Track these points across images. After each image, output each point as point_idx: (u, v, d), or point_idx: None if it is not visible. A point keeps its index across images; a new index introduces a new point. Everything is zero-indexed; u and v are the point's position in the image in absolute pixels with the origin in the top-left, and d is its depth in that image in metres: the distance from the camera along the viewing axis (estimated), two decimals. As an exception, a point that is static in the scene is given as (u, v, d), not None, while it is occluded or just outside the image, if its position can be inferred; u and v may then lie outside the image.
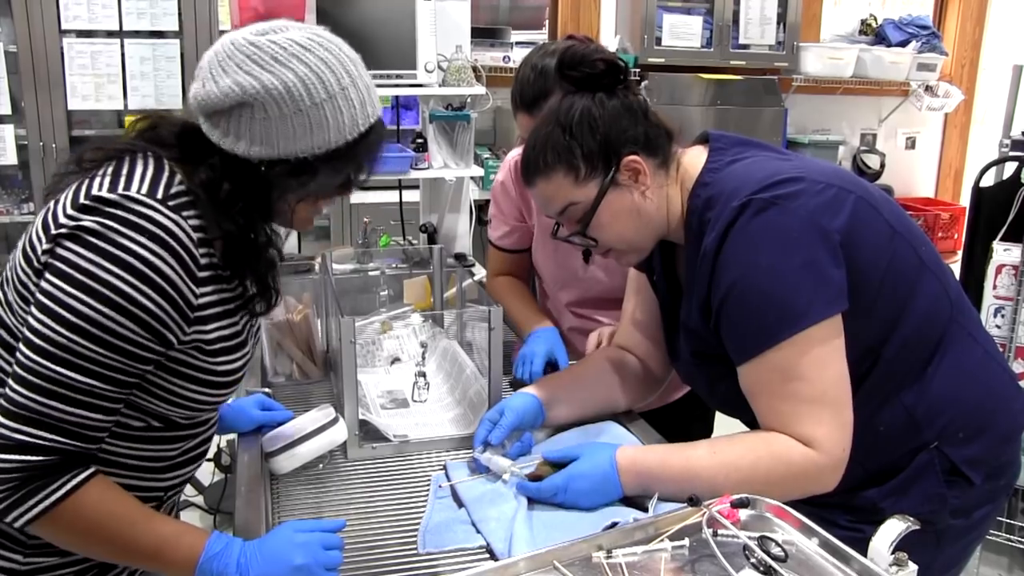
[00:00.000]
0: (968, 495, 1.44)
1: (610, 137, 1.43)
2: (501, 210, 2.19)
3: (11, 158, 3.71)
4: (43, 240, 1.15)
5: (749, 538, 1.14)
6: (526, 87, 1.83)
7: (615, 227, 1.46)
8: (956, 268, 3.41)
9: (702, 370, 1.54)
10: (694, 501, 1.21)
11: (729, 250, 1.33)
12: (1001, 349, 3.01)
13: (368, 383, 1.94)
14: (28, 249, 1.18)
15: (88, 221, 1.12)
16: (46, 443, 1.11)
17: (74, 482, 1.14)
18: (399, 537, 1.37)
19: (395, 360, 2.07)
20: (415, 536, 1.37)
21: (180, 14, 3.79)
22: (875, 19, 5.31)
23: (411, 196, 3.27)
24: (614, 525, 1.26)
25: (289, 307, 2.03)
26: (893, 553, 1.10)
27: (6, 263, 1.26)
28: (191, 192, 1.21)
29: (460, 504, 1.45)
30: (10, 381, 1.12)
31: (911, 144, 5.68)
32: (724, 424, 1.70)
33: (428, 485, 1.53)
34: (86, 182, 1.18)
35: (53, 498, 1.12)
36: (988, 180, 3.26)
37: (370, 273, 2.40)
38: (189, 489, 3.03)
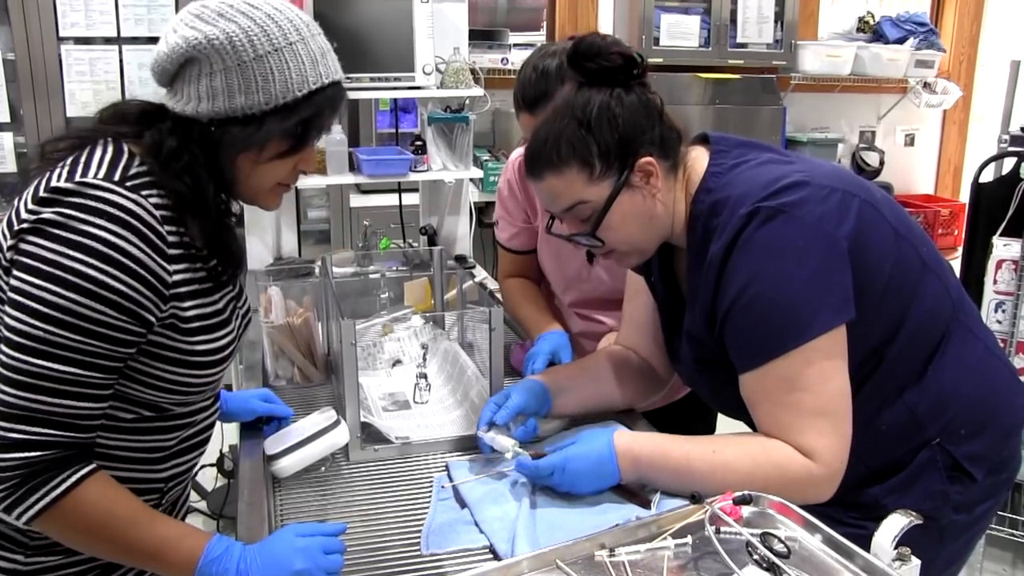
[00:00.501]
0: (970, 491, 1.44)
1: (628, 136, 1.39)
2: (508, 211, 2.19)
3: (10, 166, 3.71)
4: (7, 238, 1.16)
5: (752, 535, 1.14)
6: (528, 87, 1.83)
7: (624, 229, 1.43)
8: (956, 264, 3.40)
9: (704, 376, 1.54)
10: (696, 498, 1.22)
11: (737, 259, 1.32)
12: (1002, 344, 3.01)
13: (369, 385, 1.94)
14: None
15: (48, 213, 1.12)
16: (43, 438, 1.12)
17: (74, 478, 1.14)
18: (402, 539, 1.37)
19: (396, 362, 2.07)
20: (418, 537, 1.37)
21: (178, 20, 3.79)
22: (872, 16, 5.31)
23: (411, 199, 3.27)
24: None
25: (290, 310, 2.03)
26: (896, 548, 1.10)
27: None
28: (149, 168, 1.21)
29: (463, 505, 1.45)
30: None
31: (910, 141, 5.68)
32: (726, 425, 1.70)
33: (431, 486, 1.53)
34: (45, 176, 1.18)
35: (54, 494, 1.13)
36: (987, 176, 3.26)
37: (370, 276, 2.40)
38: (192, 495, 3.03)
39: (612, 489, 1.44)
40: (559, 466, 1.42)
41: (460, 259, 2.86)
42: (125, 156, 1.21)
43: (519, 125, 1.93)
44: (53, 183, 1.15)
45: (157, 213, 1.17)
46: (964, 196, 5.12)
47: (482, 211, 4.13)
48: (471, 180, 3.00)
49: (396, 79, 2.68)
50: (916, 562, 1.10)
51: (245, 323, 1.45)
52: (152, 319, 1.19)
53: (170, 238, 1.19)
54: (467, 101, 2.83)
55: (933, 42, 5.23)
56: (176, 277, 1.21)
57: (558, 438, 1.64)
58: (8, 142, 3.70)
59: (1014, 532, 3.12)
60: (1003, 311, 3.04)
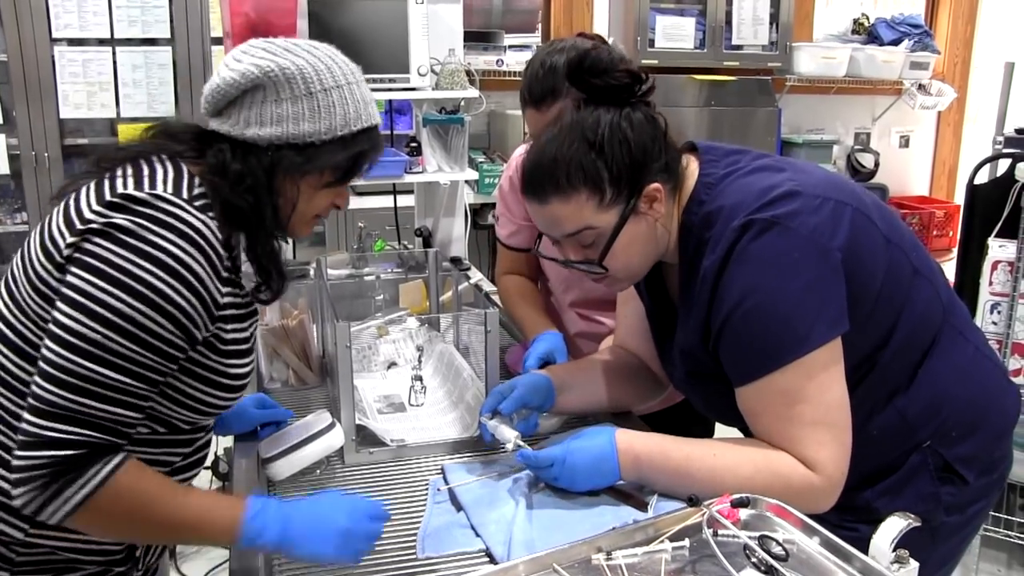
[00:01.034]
0: (962, 492, 1.44)
1: (638, 161, 1.35)
2: (508, 208, 2.18)
3: (3, 168, 3.71)
4: (67, 236, 1.16)
5: (750, 538, 1.13)
6: (534, 83, 1.82)
7: (627, 256, 1.40)
8: (952, 266, 3.41)
9: (697, 388, 1.54)
10: (694, 501, 1.21)
11: (731, 272, 1.31)
12: (997, 345, 3.01)
13: (365, 388, 1.93)
14: (48, 245, 1.18)
15: (119, 218, 1.14)
16: (77, 437, 1.11)
17: (107, 469, 1.13)
18: (398, 542, 1.36)
19: (392, 364, 2.07)
20: (414, 541, 1.36)
21: (172, 21, 3.79)
22: (867, 18, 5.33)
23: (406, 200, 3.26)
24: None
25: (285, 313, 2.02)
26: (894, 551, 1.10)
27: (6, 269, 1.26)
28: (208, 191, 1.24)
29: (459, 508, 1.45)
30: (38, 379, 1.12)
31: (905, 143, 5.69)
32: (725, 431, 1.69)
33: (426, 489, 1.52)
34: (108, 181, 1.20)
35: (88, 488, 1.11)
36: (982, 177, 3.27)
37: (365, 278, 2.39)
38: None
39: (609, 492, 1.43)
40: (559, 458, 1.41)
41: (455, 261, 2.84)
42: (186, 175, 1.24)
43: (525, 121, 1.91)
44: (122, 189, 1.17)
45: (219, 236, 1.20)
46: (959, 198, 5.14)
47: (477, 213, 4.13)
48: (466, 182, 3.00)
49: (391, 80, 2.67)
50: (914, 565, 1.09)
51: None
52: (199, 337, 1.21)
53: (226, 261, 1.22)
54: (462, 103, 2.83)
55: (928, 44, 5.24)
56: (225, 300, 1.24)
57: (558, 437, 1.64)
58: (1, 144, 3.69)
59: (1009, 533, 3.13)
60: (999, 312, 3.04)
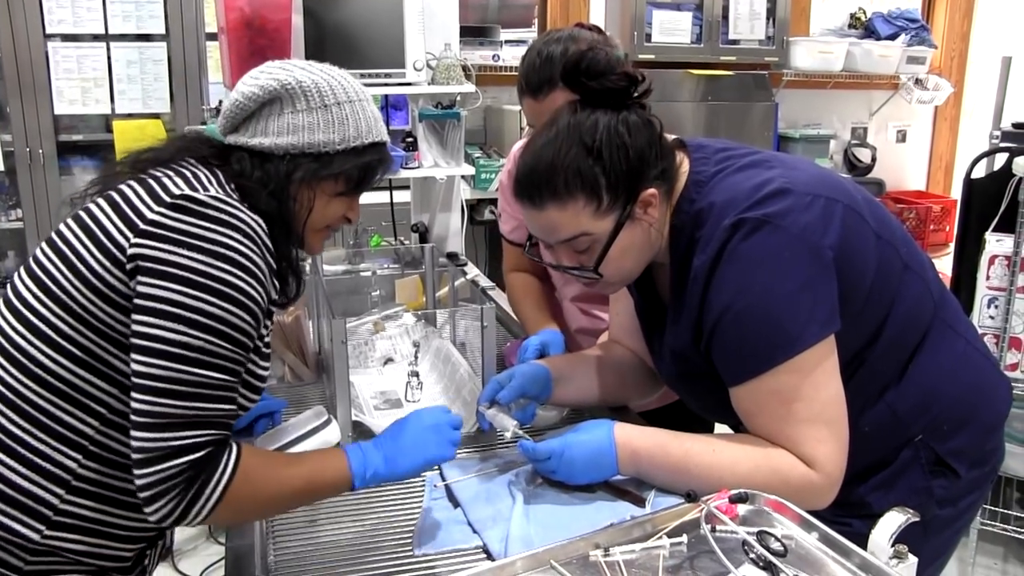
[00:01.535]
0: (954, 485, 1.44)
1: (636, 167, 1.33)
2: (509, 203, 2.17)
3: (-2, 164, 3.70)
4: (130, 236, 1.18)
5: (748, 533, 1.12)
6: (531, 73, 1.82)
7: (621, 262, 1.39)
8: (948, 260, 3.41)
9: (688, 387, 1.53)
10: (692, 497, 1.20)
11: (722, 272, 1.30)
12: (994, 340, 3.01)
13: (361, 384, 1.92)
14: (109, 245, 1.19)
15: (185, 223, 1.17)
16: (199, 439, 1.15)
17: (232, 458, 1.18)
18: (394, 539, 1.36)
19: (388, 360, 2.06)
20: (411, 537, 1.35)
21: (166, 16, 3.78)
22: (864, 13, 5.32)
23: (402, 196, 3.25)
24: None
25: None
26: (893, 546, 1.09)
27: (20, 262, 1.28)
28: (245, 192, 1.29)
29: (456, 504, 1.44)
30: (141, 395, 1.13)
31: (902, 137, 5.69)
32: (725, 427, 1.69)
33: (423, 486, 1.52)
34: (156, 182, 1.23)
35: (223, 482, 1.16)
36: (979, 171, 3.26)
37: (361, 274, 2.38)
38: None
39: (607, 487, 1.43)
40: (557, 451, 1.40)
41: (452, 256, 2.84)
42: (222, 179, 1.29)
43: (523, 111, 1.91)
44: (179, 191, 1.20)
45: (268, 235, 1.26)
46: (956, 192, 5.14)
47: (474, 208, 4.12)
48: (462, 177, 2.99)
49: (387, 75, 2.66)
50: (913, 560, 1.09)
51: None
52: (259, 332, 1.26)
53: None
54: (458, 97, 2.82)
55: (924, 38, 5.23)
56: (274, 295, 1.30)
57: (557, 431, 1.63)
58: (-5, 140, 3.68)
59: (1006, 527, 3.13)
60: (996, 307, 3.04)
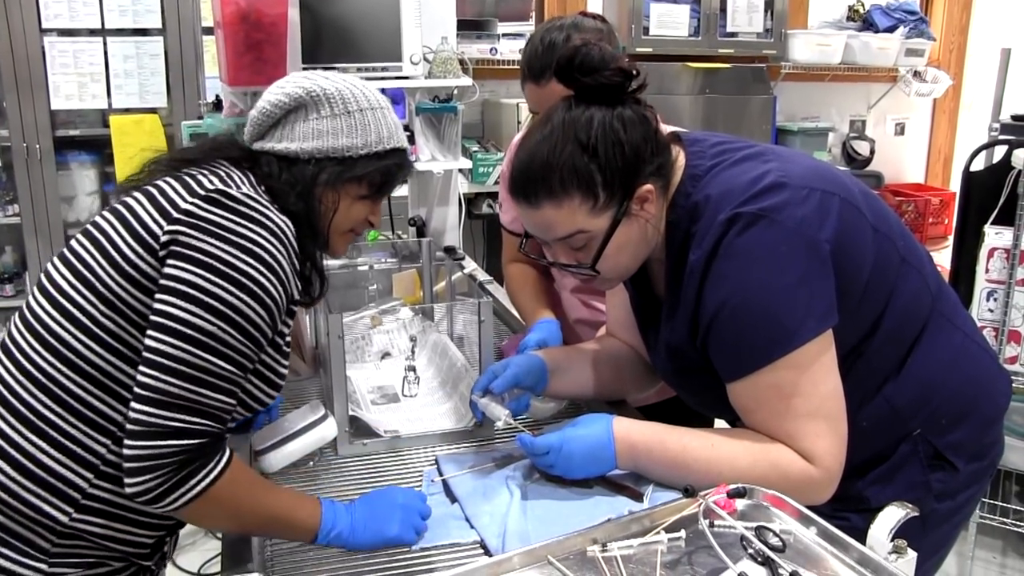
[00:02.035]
0: (952, 479, 1.44)
1: (631, 164, 1.32)
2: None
3: (-6, 159, 3.69)
4: (164, 224, 1.21)
5: (746, 528, 1.12)
6: (534, 60, 1.83)
7: (618, 258, 1.38)
8: (947, 253, 3.40)
9: (685, 382, 1.53)
10: (690, 492, 1.20)
11: (718, 267, 1.30)
12: (993, 333, 3.01)
13: (358, 379, 1.92)
14: (144, 234, 1.22)
15: (218, 214, 1.21)
16: (198, 427, 1.17)
17: (225, 459, 1.21)
18: (391, 534, 1.35)
19: (385, 355, 2.05)
20: (408, 533, 1.35)
21: (163, 11, 3.76)
22: (862, 5, 5.31)
23: (399, 190, 3.24)
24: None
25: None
26: (892, 540, 1.09)
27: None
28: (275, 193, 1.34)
29: (453, 499, 1.44)
30: (148, 369, 1.16)
31: (900, 130, 5.68)
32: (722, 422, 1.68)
33: (420, 480, 1.51)
34: (191, 178, 1.27)
35: (211, 477, 1.18)
36: (978, 164, 3.26)
37: (359, 268, 2.37)
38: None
39: (605, 482, 1.42)
40: (556, 446, 1.39)
41: (449, 250, 2.83)
42: (253, 180, 1.33)
43: (525, 97, 1.92)
44: (213, 186, 1.24)
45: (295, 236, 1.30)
46: (954, 185, 5.13)
47: (471, 202, 4.11)
48: (460, 171, 2.98)
49: (383, 69, 2.65)
50: (912, 554, 1.09)
51: None
52: (278, 328, 1.29)
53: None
54: (455, 91, 2.81)
55: (923, 31, 5.22)
56: (296, 295, 1.33)
57: (555, 424, 1.63)
58: (-9, 135, 3.67)
59: (1004, 520, 3.13)
60: (995, 300, 3.04)
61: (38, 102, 3.69)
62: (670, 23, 4.61)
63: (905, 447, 1.42)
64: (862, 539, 1.10)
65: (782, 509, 1.20)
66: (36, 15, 3.62)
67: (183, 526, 1.43)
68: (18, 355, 1.26)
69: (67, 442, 1.23)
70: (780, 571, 1.05)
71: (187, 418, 1.16)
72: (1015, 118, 3.28)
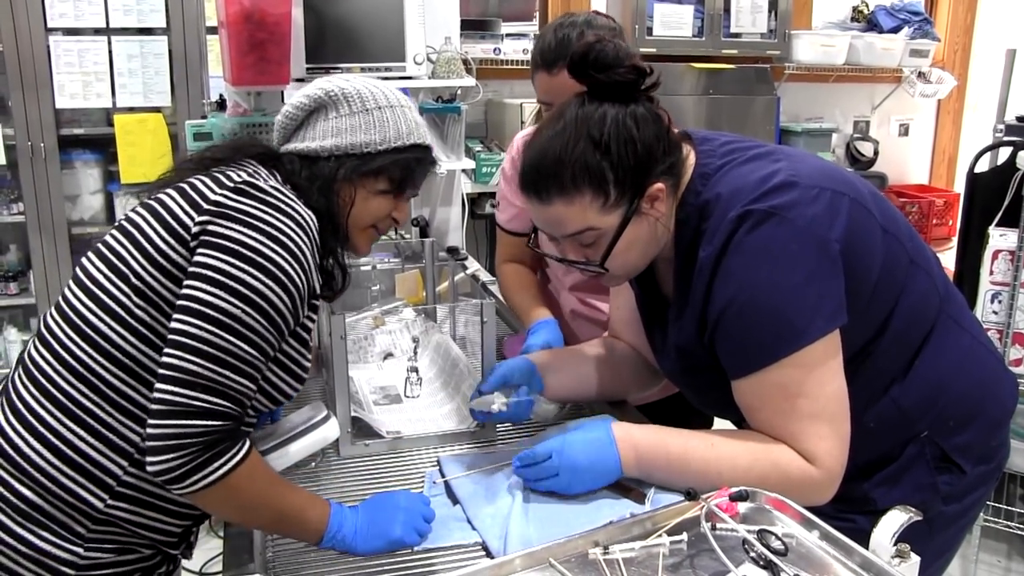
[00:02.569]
0: (959, 481, 1.44)
1: (643, 162, 1.32)
2: (509, 192, 2.17)
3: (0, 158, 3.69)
4: (195, 216, 1.25)
5: (748, 532, 1.12)
6: (547, 52, 1.84)
7: (627, 256, 1.38)
8: (952, 254, 3.40)
9: (691, 381, 1.53)
10: (692, 495, 1.20)
11: (728, 264, 1.30)
12: (998, 335, 3.00)
13: (360, 379, 1.92)
14: (176, 227, 1.26)
15: (246, 203, 1.25)
16: (224, 409, 1.19)
17: (244, 449, 1.22)
18: (393, 535, 1.35)
19: (388, 355, 2.05)
20: (409, 534, 1.35)
21: (167, 10, 3.76)
22: (867, 5, 5.29)
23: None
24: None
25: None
26: (895, 545, 1.09)
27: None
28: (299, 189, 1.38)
29: (455, 501, 1.44)
30: (175, 351, 1.19)
31: (904, 131, 5.66)
32: (725, 421, 1.68)
33: (422, 482, 1.51)
34: (220, 174, 1.32)
35: (233, 462, 1.20)
36: (983, 165, 3.25)
37: (361, 268, 2.37)
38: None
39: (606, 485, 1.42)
40: (557, 448, 1.39)
41: (452, 251, 2.83)
42: (279, 177, 1.38)
43: (536, 87, 1.92)
44: (240, 179, 1.29)
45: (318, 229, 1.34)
46: (959, 186, 5.12)
47: (474, 202, 4.11)
48: (463, 171, 2.99)
49: (387, 69, 2.66)
50: (915, 559, 1.09)
51: None
52: (300, 318, 1.32)
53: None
54: (459, 91, 2.82)
55: (928, 31, 5.21)
56: (317, 288, 1.35)
57: (552, 430, 1.63)
58: (-3, 134, 3.67)
59: (1009, 523, 3.12)
60: (999, 301, 3.03)
61: (43, 101, 3.69)
62: (674, 23, 4.60)
63: (912, 448, 1.42)
64: (868, 541, 1.10)
65: (784, 512, 1.20)
66: (41, 14, 3.61)
67: (209, 517, 1.47)
68: (56, 345, 1.30)
69: (103, 429, 1.27)
70: (782, 575, 1.05)
71: (211, 399, 1.18)
72: (1020, 119, 3.27)
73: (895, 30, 5.13)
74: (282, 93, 2.79)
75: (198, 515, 1.41)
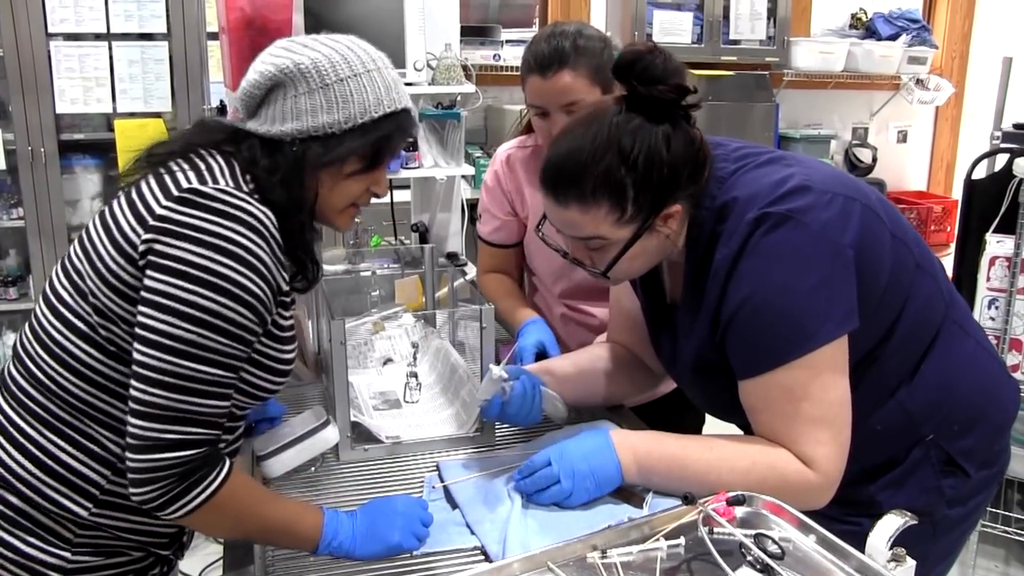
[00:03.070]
0: (964, 485, 1.44)
1: (666, 185, 1.32)
2: (492, 204, 2.18)
3: (0, 163, 3.69)
4: (140, 232, 1.19)
5: (745, 536, 1.13)
6: (541, 57, 1.83)
7: (630, 265, 1.40)
8: (949, 261, 3.41)
9: (702, 383, 1.53)
10: (689, 499, 1.20)
11: (743, 266, 1.31)
12: (995, 341, 3.01)
13: (360, 384, 1.92)
14: (121, 242, 1.21)
15: (191, 216, 1.17)
16: (195, 437, 1.17)
17: (227, 468, 1.21)
18: (392, 539, 1.35)
19: (387, 361, 2.06)
20: (409, 538, 1.35)
21: (168, 16, 3.77)
22: (865, 13, 5.31)
23: (402, 196, 3.25)
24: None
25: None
26: (891, 548, 1.09)
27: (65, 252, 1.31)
28: (258, 181, 1.29)
29: (454, 505, 1.44)
30: (138, 383, 1.16)
31: (903, 137, 5.68)
32: (715, 422, 1.69)
33: (421, 486, 1.52)
34: (168, 175, 1.23)
35: (214, 485, 1.19)
36: (980, 172, 3.26)
37: (361, 273, 2.38)
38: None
39: (604, 488, 1.43)
40: (556, 455, 1.40)
41: (452, 256, 2.83)
42: (238, 169, 1.28)
43: (526, 91, 1.89)
44: (185, 184, 1.20)
45: (277, 225, 1.25)
46: (957, 193, 5.12)
47: (474, 208, 4.10)
48: (463, 177, 2.98)
49: (387, 75, 2.65)
50: (911, 563, 1.09)
51: None
52: (268, 323, 1.26)
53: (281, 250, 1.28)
54: (458, 97, 2.82)
55: (926, 39, 5.23)
56: (284, 286, 1.29)
57: (550, 436, 1.63)
58: (-3, 139, 3.67)
59: (1007, 529, 3.13)
60: (996, 308, 3.04)
61: (43, 106, 3.70)
62: (673, 30, 4.62)
63: (917, 452, 1.43)
64: (871, 544, 1.11)
65: (781, 517, 1.21)
66: (42, 19, 3.62)
67: None
68: (28, 362, 1.28)
69: (84, 440, 1.26)
70: (779, 579, 1.06)
71: (181, 428, 1.16)
72: (1017, 126, 3.29)
73: (893, 37, 5.15)
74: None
75: None
